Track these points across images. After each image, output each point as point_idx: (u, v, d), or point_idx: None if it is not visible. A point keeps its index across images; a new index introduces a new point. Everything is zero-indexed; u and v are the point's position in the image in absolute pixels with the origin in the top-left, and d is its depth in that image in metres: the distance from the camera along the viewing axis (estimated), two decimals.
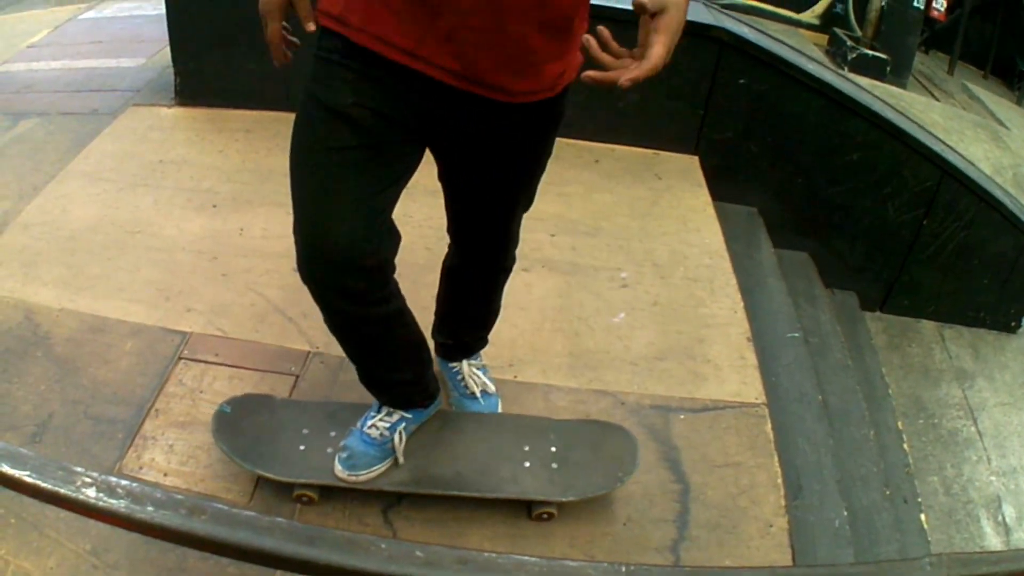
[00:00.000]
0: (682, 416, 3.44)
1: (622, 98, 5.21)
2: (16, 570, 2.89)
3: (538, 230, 4.39)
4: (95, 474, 1.67)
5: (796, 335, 4.55)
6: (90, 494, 1.67)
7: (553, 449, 3.02)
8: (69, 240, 4.30)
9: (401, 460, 2.97)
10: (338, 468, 2.92)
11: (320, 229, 2.31)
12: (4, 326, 3.72)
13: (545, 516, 2.93)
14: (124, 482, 1.71)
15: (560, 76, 2.26)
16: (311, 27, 2.27)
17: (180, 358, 3.51)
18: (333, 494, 2.95)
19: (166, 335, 3.62)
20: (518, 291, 3.83)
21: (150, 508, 1.64)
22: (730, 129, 5.41)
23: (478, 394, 3.30)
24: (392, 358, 2.78)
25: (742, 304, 4.17)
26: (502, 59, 2.11)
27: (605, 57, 1.94)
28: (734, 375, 3.69)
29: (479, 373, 3.35)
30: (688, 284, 4.24)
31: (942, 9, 14.51)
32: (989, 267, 6.39)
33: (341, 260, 2.32)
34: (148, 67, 6.53)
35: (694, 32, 4.92)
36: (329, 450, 2.92)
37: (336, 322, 2.60)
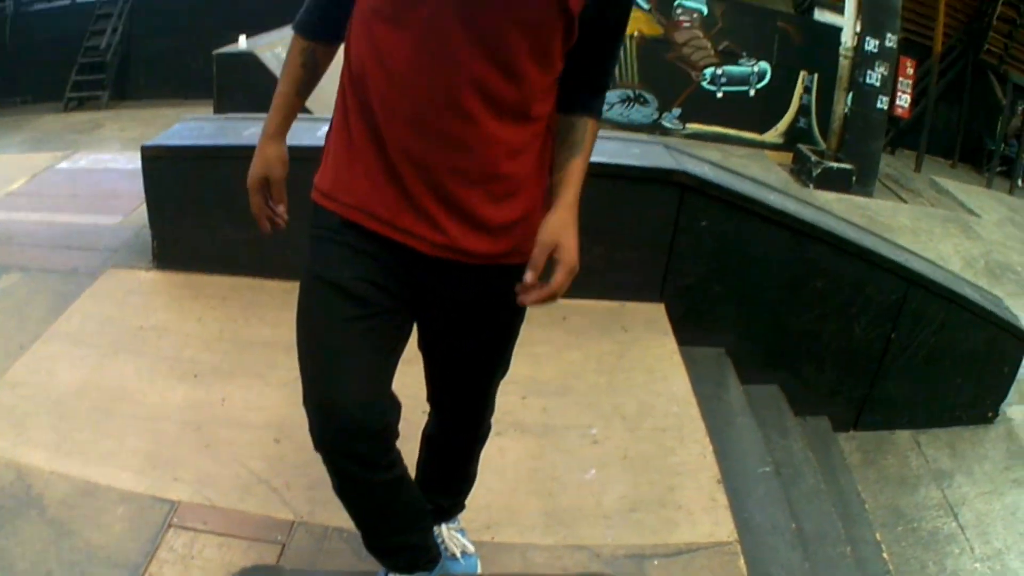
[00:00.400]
0: (656, 562, 3.52)
1: (588, 251, 5.29)
2: None
3: (510, 393, 4.39)
4: None
5: (767, 469, 4.65)
6: None
7: None
8: (57, 403, 4.40)
9: None
10: None
11: (329, 399, 2.51)
12: None
13: None
14: None
15: (528, 239, 2.46)
16: (281, 208, 2.79)
17: (170, 525, 3.58)
18: None
19: (155, 503, 3.69)
20: (492, 456, 3.84)
21: None
22: (694, 273, 5.50)
23: (458, 555, 3.39)
24: (398, 522, 2.90)
25: (711, 448, 4.26)
26: (468, 226, 2.44)
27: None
28: (706, 517, 3.78)
29: (458, 535, 3.43)
30: (657, 434, 4.33)
31: (906, 106, 14.77)
32: (962, 366, 6.48)
33: (350, 427, 2.50)
34: (125, 226, 6.65)
35: (656, 178, 5.16)
36: None
37: (346, 487, 2.72)
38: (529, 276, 2.33)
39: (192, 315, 5.27)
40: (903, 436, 6.59)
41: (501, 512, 3.79)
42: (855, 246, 5.66)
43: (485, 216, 2.46)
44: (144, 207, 5.95)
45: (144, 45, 16.86)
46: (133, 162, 8.08)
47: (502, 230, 2.51)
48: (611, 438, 4.32)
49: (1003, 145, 17.19)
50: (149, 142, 5.70)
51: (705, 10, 14.73)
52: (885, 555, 5.36)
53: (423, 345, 2.85)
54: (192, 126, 5.95)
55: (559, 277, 2.38)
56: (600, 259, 5.36)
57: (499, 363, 2.91)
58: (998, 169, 16.91)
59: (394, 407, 2.68)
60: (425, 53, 2.27)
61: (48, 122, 14.60)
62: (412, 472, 3.15)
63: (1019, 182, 17.05)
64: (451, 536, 3.42)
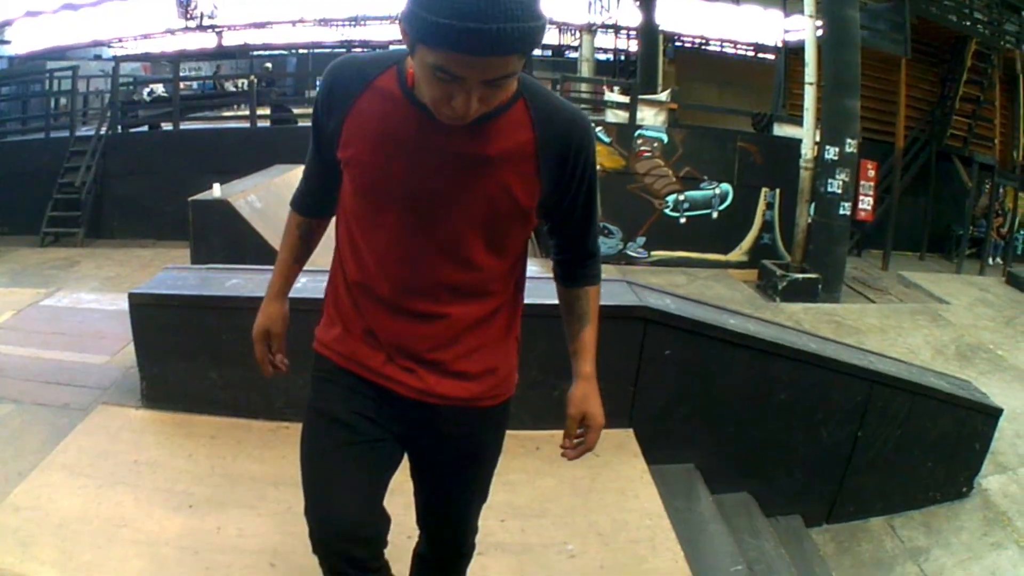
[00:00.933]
0: None
1: (556, 387, 5.48)
2: None
3: (489, 517, 4.51)
4: None
5: (739, 568, 4.82)
6: None
7: None
8: (60, 527, 4.57)
9: None
10: None
11: (326, 511, 2.89)
12: None
13: None
14: None
15: (498, 386, 2.98)
16: (279, 358, 3.24)
17: None
18: None
19: None
20: (475, 574, 4.11)
21: None
22: (661, 398, 5.68)
23: None
24: None
25: (682, 554, 4.45)
26: (442, 376, 2.81)
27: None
28: None
29: None
30: (631, 546, 4.52)
31: (869, 208, 15.01)
32: (932, 450, 6.66)
33: (346, 533, 2.87)
34: (113, 365, 6.83)
35: (619, 315, 5.36)
36: None
37: None
38: (567, 445, 3.08)
39: (183, 451, 5.44)
40: (877, 523, 6.75)
41: None
42: (815, 356, 5.89)
43: (456, 368, 2.82)
44: (130, 347, 6.15)
45: (118, 184, 17.08)
46: (115, 303, 8.40)
47: (473, 379, 2.87)
48: (587, 552, 4.50)
49: (971, 227, 17.59)
50: (136, 290, 5.94)
51: (665, 138, 15.02)
52: None
53: (414, 474, 3.15)
54: (175, 276, 6.16)
55: (591, 437, 3.07)
56: (568, 394, 5.50)
57: (478, 491, 3.22)
58: (968, 252, 17.28)
59: (384, 519, 2.98)
60: (391, 255, 2.70)
61: (25, 256, 14.75)
62: None
63: (989, 260, 17.44)
64: None
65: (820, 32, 14.37)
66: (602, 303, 5.38)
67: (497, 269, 2.77)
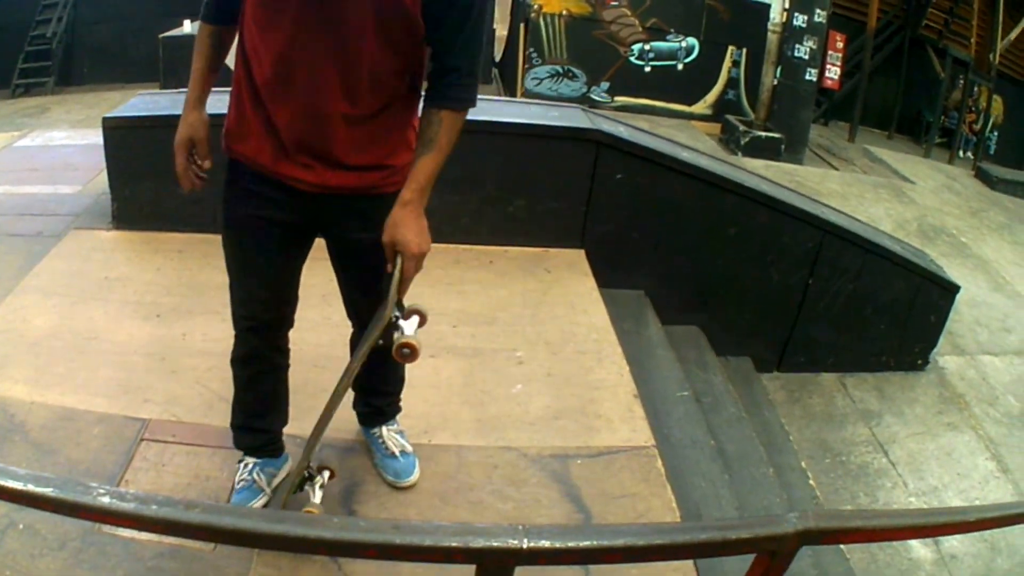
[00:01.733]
0: (579, 461, 3.91)
1: (511, 203, 5.71)
2: None
3: (442, 323, 4.90)
4: (107, 487, 2.10)
5: (685, 393, 5.00)
6: (105, 502, 2.01)
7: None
8: (33, 345, 4.75)
9: (268, 492, 3.60)
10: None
11: (244, 291, 3.35)
12: None
13: (407, 351, 2.98)
14: (131, 491, 2.19)
15: (391, 176, 3.09)
16: (207, 164, 3.24)
17: (142, 439, 3.95)
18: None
19: (128, 421, 4.06)
20: (427, 374, 4.36)
21: (154, 507, 2.12)
22: (612, 221, 5.83)
23: (397, 454, 3.80)
24: (265, 407, 3.62)
25: (627, 369, 4.64)
26: (334, 169, 3.01)
27: None
28: (624, 425, 4.16)
29: (397, 436, 3.85)
30: (578, 356, 4.71)
31: (836, 78, 14.88)
32: (885, 313, 6.79)
33: (257, 312, 3.37)
34: (84, 193, 6.97)
35: (572, 136, 5.51)
36: None
37: (243, 357, 3.50)
38: (388, 268, 2.93)
39: (151, 266, 5.61)
40: (828, 378, 6.88)
41: (437, 420, 4.18)
42: (765, 196, 6.02)
43: (349, 162, 2.99)
44: (100, 177, 6.34)
45: (89, 32, 16.83)
46: (85, 139, 8.49)
47: (364, 170, 3.05)
48: (535, 359, 4.70)
49: (943, 117, 17.45)
50: (110, 114, 6.04)
51: None
52: (812, 482, 5.70)
53: (332, 261, 3.42)
54: (148, 100, 6.29)
55: (406, 266, 2.89)
56: (523, 210, 5.75)
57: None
58: (937, 141, 17.15)
59: (288, 302, 3.43)
60: (288, 56, 2.82)
61: None
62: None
63: (959, 153, 17.31)
64: (391, 436, 3.85)
65: None
66: (555, 124, 5.58)
67: (389, 67, 2.88)
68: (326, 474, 3.46)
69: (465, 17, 2.77)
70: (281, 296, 3.39)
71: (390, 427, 3.89)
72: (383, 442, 3.84)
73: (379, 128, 3.01)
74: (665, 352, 5.46)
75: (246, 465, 3.66)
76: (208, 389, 4.39)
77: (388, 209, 2.93)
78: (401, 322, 2.95)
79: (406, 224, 2.87)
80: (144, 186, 5.90)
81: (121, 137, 5.97)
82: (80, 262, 5.71)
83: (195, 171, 3.24)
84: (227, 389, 3.99)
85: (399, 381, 3.85)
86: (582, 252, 5.82)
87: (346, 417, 3.83)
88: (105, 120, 6.00)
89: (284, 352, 3.56)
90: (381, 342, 3.03)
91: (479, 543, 2.09)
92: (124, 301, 5.24)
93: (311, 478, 3.40)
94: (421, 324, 3.03)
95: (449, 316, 5.01)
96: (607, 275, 5.68)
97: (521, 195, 5.68)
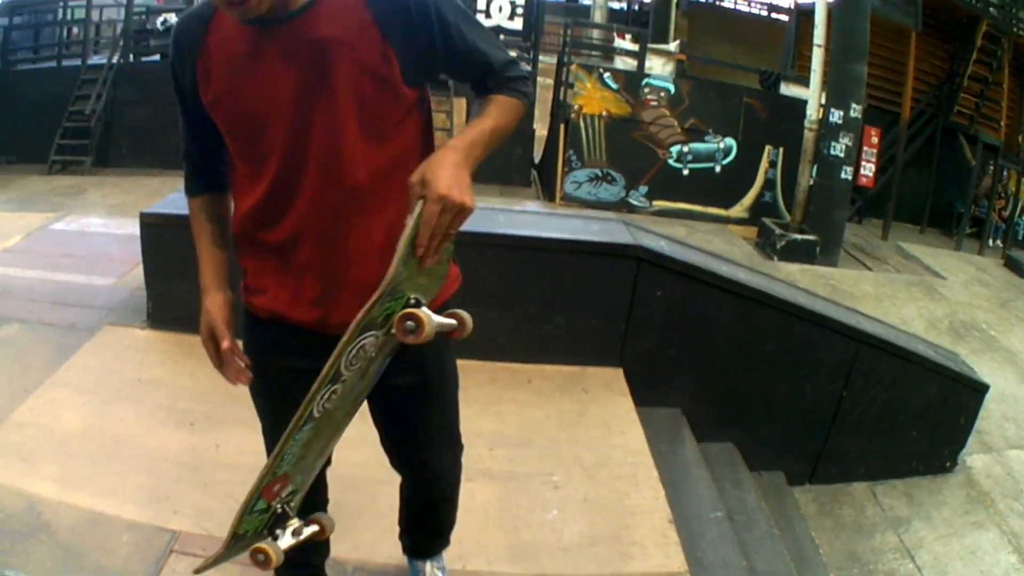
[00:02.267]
0: None
1: (550, 320, 5.66)
2: None
3: (478, 445, 4.82)
4: None
5: (719, 514, 4.92)
6: None
7: None
8: (62, 443, 4.72)
9: None
10: None
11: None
12: (8, 511, 4.12)
13: (411, 324, 2.33)
14: None
15: None
16: (244, 374, 2.87)
17: (172, 551, 3.90)
18: None
19: (158, 532, 4.01)
20: (463, 499, 4.14)
21: None
22: (650, 339, 5.78)
23: None
24: (305, 551, 3.12)
25: (663, 493, 4.57)
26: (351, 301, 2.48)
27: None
28: (658, 552, 4.09)
29: (439, 573, 3.74)
30: (613, 481, 4.65)
31: (871, 175, 14.94)
32: (917, 419, 6.70)
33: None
34: (119, 287, 6.98)
35: (613, 253, 5.47)
36: None
37: None
38: (407, 218, 2.29)
39: (185, 370, 5.56)
40: (859, 488, 6.80)
41: (471, 545, 4.11)
42: (803, 310, 5.96)
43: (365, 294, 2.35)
44: (137, 270, 6.35)
45: (127, 113, 16.93)
46: (122, 228, 8.52)
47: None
48: (571, 483, 4.63)
49: (973, 206, 17.41)
50: (148, 210, 6.05)
51: (672, 88, 14.91)
52: None
53: (372, 415, 3.11)
54: None
55: (427, 207, 2.23)
56: (561, 327, 5.71)
57: (435, 407, 3.10)
58: (968, 231, 17.09)
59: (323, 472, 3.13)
60: (278, 194, 2.59)
61: (33, 183, 14.68)
62: (389, 513, 3.69)
63: (989, 242, 17.25)
64: (432, 573, 3.74)
65: None
66: (596, 240, 5.55)
67: (382, 166, 2.54)
68: (312, 528, 2.84)
69: (468, 40, 2.56)
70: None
71: (435, 563, 3.78)
72: None
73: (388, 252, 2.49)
74: (700, 471, 5.39)
75: None
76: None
77: (430, 348, 2.53)
78: (423, 309, 2.35)
79: (441, 164, 2.29)
80: (180, 286, 5.83)
81: (158, 234, 5.99)
82: (113, 360, 5.69)
83: (237, 363, 2.86)
84: None
85: (451, 522, 3.71)
86: (620, 371, 5.76)
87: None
88: (143, 216, 6.02)
89: (323, 489, 3.27)
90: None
91: None
92: (157, 405, 5.21)
93: (284, 517, 2.77)
94: (454, 332, 2.49)
95: (485, 438, 4.95)
96: (643, 393, 5.62)
97: (561, 312, 5.66)
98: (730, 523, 5.04)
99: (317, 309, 2.70)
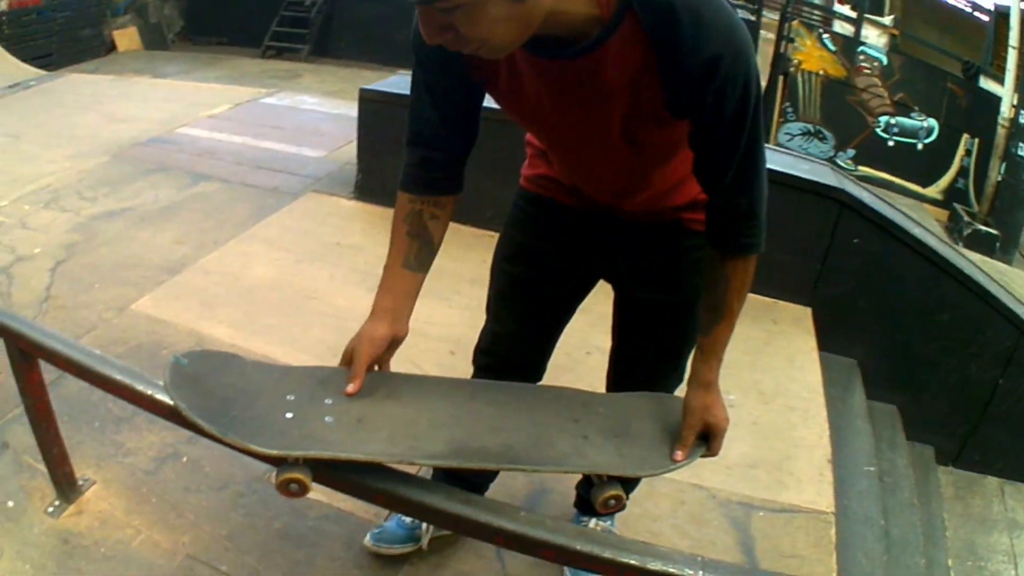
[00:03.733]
0: (761, 514, 3.84)
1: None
2: (146, 540, 3.31)
3: None
4: None
5: (871, 468, 4.87)
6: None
7: (608, 423, 2.53)
8: (247, 292, 4.90)
9: (425, 547, 3.27)
10: (367, 539, 3.30)
11: (493, 337, 3.07)
12: (178, 347, 4.27)
13: (613, 503, 2.37)
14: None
15: (695, 217, 2.56)
16: (351, 388, 2.40)
17: None
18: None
19: None
20: None
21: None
22: (841, 286, 5.71)
23: None
24: None
25: (828, 433, 4.52)
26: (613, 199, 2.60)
27: None
28: (811, 487, 4.06)
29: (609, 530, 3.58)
30: (785, 411, 4.62)
31: None
32: None
33: (504, 352, 3.07)
34: (329, 160, 7.16)
35: (817, 191, 5.40)
36: (328, 419, 2.31)
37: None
38: (679, 455, 2.43)
39: (386, 242, 5.50)
40: (992, 482, 6.62)
41: None
42: (979, 287, 5.83)
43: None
44: (348, 147, 6.49)
45: (351, 8, 17.07)
46: (337, 108, 8.64)
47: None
48: (745, 406, 4.61)
49: None
50: (368, 86, 6.15)
51: (884, 60, 14.71)
52: None
53: (614, 328, 3.03)
54: (408, 80, 6.39)
55: (715, 445, 2.51)
56: (763, 256, 5.54)
57: (681, 327, 2.88)
58: None
59: (543, 355, 3.14)
60: (560, 160, 2.61)
61: (245, 64, 14.92)
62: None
63: None
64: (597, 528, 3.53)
65: None
66: (804, 176, 5.45)
67: (656, 162, 2.42)
68: None
69: (736, 147, 2.15)
70: (541, 338, 3.09)
71: (602, 523, 3.57)
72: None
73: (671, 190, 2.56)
74: (863, 424, 5.32)
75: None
76: (419, 369, 4.36)
77: (689, 265, 2.62)
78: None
79: (716, 406, 2.49)
80: (391, 162, 5.85)
81: (376, 110, 6.09)
82: (314, 223, 5.84)
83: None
84: (439, 372, 4.12)
85: (637, 483, 3.51)
86: (808, 311, 5.72)
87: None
88: (362, 91, 6.14)
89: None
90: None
91: (656, 565, 2.08)
92: (352, 268, 5.33)
93: None
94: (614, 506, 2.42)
95: None
96: (826, 338, 5.57)
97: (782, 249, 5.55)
98: (879, 482, 4.98)
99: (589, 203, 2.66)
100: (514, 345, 3.07)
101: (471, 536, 2.29)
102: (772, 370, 4.99)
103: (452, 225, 2.52)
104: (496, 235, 2.97)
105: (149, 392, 2.46)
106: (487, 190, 4.26)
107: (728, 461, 4.10)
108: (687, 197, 2.56)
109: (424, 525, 3.32)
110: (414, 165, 2.43)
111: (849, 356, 5.84)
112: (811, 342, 5.40)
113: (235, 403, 2.27)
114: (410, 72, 2.34)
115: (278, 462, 2.19)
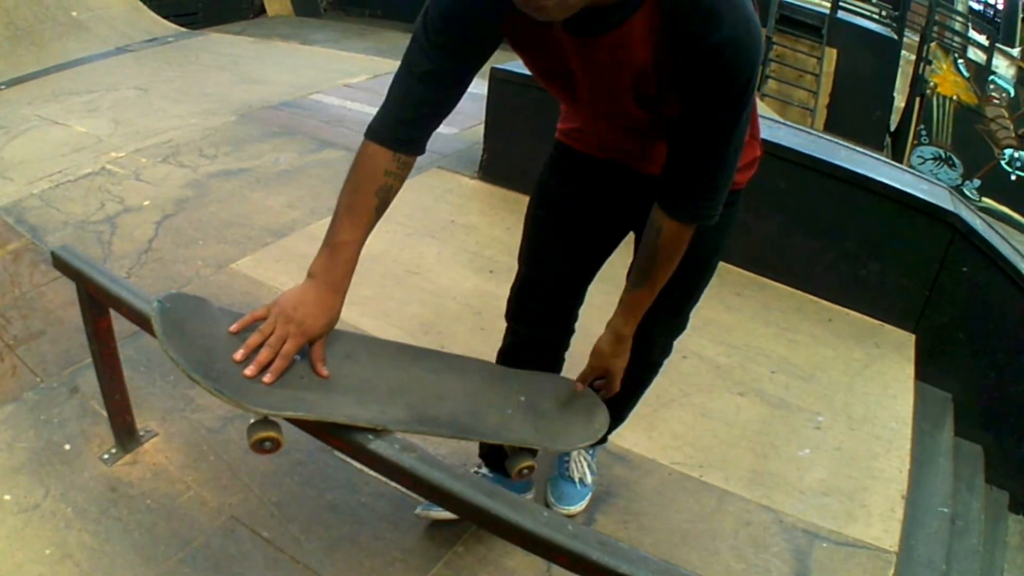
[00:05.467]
0: (825, 545, 3.75)
1: (865, 265, 5.54)
2: (194, 497, 3.37)
3: (762, 364, 4.82)
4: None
5: (945, 510, 4.74)
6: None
7: (523, 399, 2.76)
8: None
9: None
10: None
11: (530, 272, 3.30)
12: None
13: (526, 471, 2.64)
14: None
15: None
16: (324, 372, 2.38)
17: None
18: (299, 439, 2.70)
19: None
20: (728, 410, 4.30)
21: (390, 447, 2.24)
22: (946, 314, 5.57)
23: (575, 480, 3.67)
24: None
25: (908, 467, 4.42)
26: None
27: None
28: (880, 523, 3.96)
29: (585, 463, 3.70)
30: (870, 439, 4.52)
31: None
32: None
33: (543, 295, 3.28)
34: (458, 138, 7.18)
35: (932, 212, 5.30)
36: (302, 377, 2.35)
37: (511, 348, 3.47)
38: (578, 387, 2.84)
39: (503, 223, 5.69)
40: None
41: (716, 458, 4.08)
42: None
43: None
44: (480, 127, 6.45)
45: None
46: (480, 88, 8.70)
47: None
48: (833, 429, 4.53)
49: None
50: (499, 66, 6.10)
51: (1012, 91, 14.57)
52: None
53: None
54: None
55: (611, 385, 2.87)
56: (876, 275, 5.58)
57: (691, 276, 2.91)
58: None
59: (576, 299, 3.30)
60: (584, 118, 2.78)
61: (395, 38, 14.90)
62: None
63: None
64: (579, 461, 3.69)
65: None
66: (920, 196, 5.34)
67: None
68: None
69: (712, 138, 2.25)
70: (563, 283, 3.25)
71: (585, 453, 3.76)
72: (568, 461, 3.72)
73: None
74: (946, 463, 5.19)
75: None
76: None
77: (715, 226, 2.59)
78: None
79: (622, 356, 2.82)
80: (517, 144, 5.97)
81: (505, 91, 6.10)
82: (431, 199, 5.88)
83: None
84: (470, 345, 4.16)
85: (622, 417, 3.63)
86: (913, 337, 5.59)
87: None
88: (493, 71, 6.15)
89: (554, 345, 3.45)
90: None
91: None
92: (462, 248, 5.36)
93: None
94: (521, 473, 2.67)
95: (772, 360, 4.92)
96: (927, 368, 5.47)
97: (876, 260, 5.52)
98: (950, 524, 4.85)
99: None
100: (535, 288, 3.29)
101: (488, 530, 2.25)
102: (866, 396, 4.90)
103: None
104: None
105: None
106: None
107: (803, 485, 4.07)
108: None
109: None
110: (389, 120, 2.40)
111: (946, 389, 5.71)
112: (909, 370, 5.28)
113: (216, 354, 2.27)
114: None
115: (265, 421, 2.24)
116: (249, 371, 2.23)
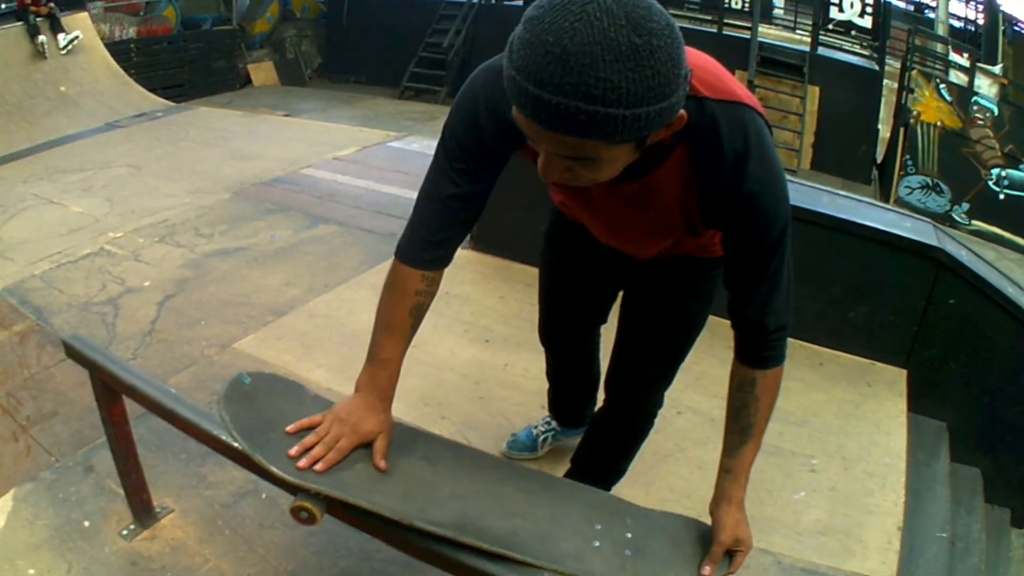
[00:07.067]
0: None
1: (853, 308, 5.66)
2: (213, 569, 3.46)
3: None
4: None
5: (943, 535, 4.82)
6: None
7: (628, 535, 2.53)
8: (350, 337, 5.05)
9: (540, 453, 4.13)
10: (503, 446, 4.17)
11: (552, 326, 3.69)
12: None
13: None
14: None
15: (710, 246, 2.72)
16: (383, 465, 2.48)
17: None
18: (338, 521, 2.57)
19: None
20: None
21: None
22: (937, 347, 5.64)
23: None
24: (578, 395, 4.00)
25: (903, 499, 4.52)
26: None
27: None
28: (877, 556, 4.05)
29: None
30: (864, 477, 4.61)
31: None
32: None
33: (565, 334, 3.70)
34: None
35: (917, 250, 5.41)
36: (358, 465, 2.44)
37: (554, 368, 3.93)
38: (707, 570, 2.50)
39: (496, 293, 5.81)
40: None
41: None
42: None
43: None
44: None
45: (487, 52, 17.15)
46: None
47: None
48: (827, 471, 4.63)
49: None
50: None
51: (996, 110, 14.66)
52: None
53: (620, 315, 3.24)
54: None
55: (739, 561, 2.61)
56: (863, 317, 5.70)
57: (678, 328, 3.10)
58: None
59: (596, 327, 3.68)
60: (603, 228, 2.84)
61: (381, 105, 15.12)
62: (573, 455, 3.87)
63: None
64: None
65: None
66: (903, 234, 5.49)
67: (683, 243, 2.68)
68: None
69: (767, 269, 2.30)
70: (569, 318, 3.62)
71: (553, 439, 4.24)
72: None
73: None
74: (943, 490, 5.27)
75: (547, 423, 4.23)
76: (509, 422, 4.50)
77: (688, 287, 2.95)
78: None
79: (744, 524, 2.64)
80: (508, 213, 5.94)
81: None
82: None
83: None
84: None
85: (620, 472, 3.69)
86: (904, 373, 5.68)
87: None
88: None
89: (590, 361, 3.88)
90: None
91: None
92: (457, 319, 5.46)
93: None
94: None
95: None
96: (920, 400, 5.57)
97: (864, 302, 5.64)
98: (950, 547, 4.90)
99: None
100: (547, 322, 3.70)
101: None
102: (859, 435, 5.00)
103: None
104: None
105: (215, 432, 2.59)
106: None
107: (800, 527, 4.16)
108: (696, 244, 2.73)
109: (541, 439, 4.21)
110: (416, 241, 2.58)
111: (940, 418, 5.79)
112: (901, 405, 5.38)
113: (277, 425, 2.43)
114: None
115: (293, 490, 2.31)
116: (302, 463, 2.35)
